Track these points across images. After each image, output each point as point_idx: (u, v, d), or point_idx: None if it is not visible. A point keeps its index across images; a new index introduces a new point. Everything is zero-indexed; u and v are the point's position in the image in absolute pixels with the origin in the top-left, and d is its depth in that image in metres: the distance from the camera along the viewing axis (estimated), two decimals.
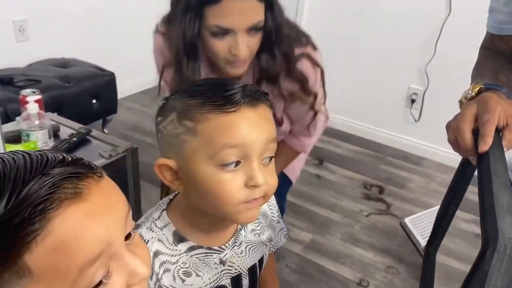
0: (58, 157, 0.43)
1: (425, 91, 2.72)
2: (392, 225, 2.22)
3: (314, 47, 1.14)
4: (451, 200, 0.81)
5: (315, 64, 1.12)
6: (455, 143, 0.70)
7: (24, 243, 0.38)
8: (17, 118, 1.50)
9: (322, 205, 2.34)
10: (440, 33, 2.56)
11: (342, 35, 2.89)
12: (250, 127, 0.65)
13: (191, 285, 0.74)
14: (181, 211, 0.73)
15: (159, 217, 0.74)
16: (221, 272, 0.77)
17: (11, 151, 0.45)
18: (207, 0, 0.94)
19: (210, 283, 0.76)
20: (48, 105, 1.98)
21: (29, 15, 2.50)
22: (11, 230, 0.38)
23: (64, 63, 2.57)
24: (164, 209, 0.75)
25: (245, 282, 0.81)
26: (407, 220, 2.18)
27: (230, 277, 0.78)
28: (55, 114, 1.83)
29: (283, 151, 1.35)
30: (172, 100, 0.68)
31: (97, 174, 0.45)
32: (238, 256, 0.79)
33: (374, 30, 2.77)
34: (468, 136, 0.67)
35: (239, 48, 0.98)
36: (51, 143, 1.45)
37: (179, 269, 0.72)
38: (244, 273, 0.80)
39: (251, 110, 0.65)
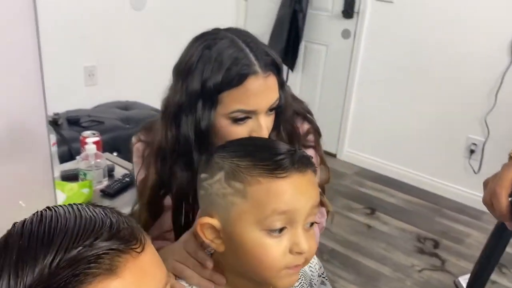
0: (107, 223, 0.45)
1: (485, 141, 2.60)
2: (447, 282, 2.08)
3: (311, 115, 1.09)
4: (485, 264, 0.75)
5: (316, 145, 1.07)
6: (490, 205, 0.66)
7: None
8: (77, 157, 1.61)
9: (371, 257, 2.25)
10: (501, 82, 2.47)
11: (401, 82, 2.86)
12: (299, 194, 0.65)
13: None
14: (221, 270, 0.72)
15: None
16: None
17: (67, 206, 0.47)
18: (228, 84, 0.84)
19: None
20: (109, 145, 2.10)
21: (98, 62, 2.71)
22: None
23: (126, 106, 2.74)
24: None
25: None
26: (461, 279, 2.04)
27: None
28: (114, 153, 1.93)
29: None
30: (219, 158, 0.68)
31: (136, 249, 0.45)
32: None
33: (433, 79, 2.73)
34: (504, 202, 0.63)
35: (263, 131, 0.88)
36: (105, 182, 1.53)
37: None
38: None
39: (300, 176, 0.65)
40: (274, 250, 0.64)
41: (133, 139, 1.05)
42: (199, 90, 0.85)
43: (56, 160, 1.60)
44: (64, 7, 2.47)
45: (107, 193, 1.47)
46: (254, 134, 0.88)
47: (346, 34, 3.05)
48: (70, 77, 2.63)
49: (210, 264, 0.72)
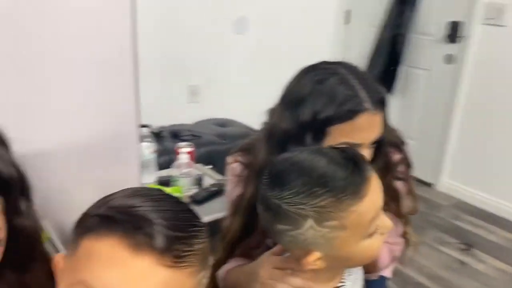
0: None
1: None
2: None
3: (403, 145, 1.09)
4: None
5: (406, 177, 1.06)
6: None
7: None
8: (171, 165, 1.77)
9: None
10: None
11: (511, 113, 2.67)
12: (380, 195, 0.70)
13: None
14: (308, 273, 0.76)
15: None
16: None
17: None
18: (339, 119, 0.86)
19: None
20: (205, 158, 2.25)
21: (201, 81, 2.93)
22: None
23: (223, 123, 2.91)
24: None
25: None
26: None
27: None
28: (209, 166, 2.07)
29: None
30: (291, 207, 0.67)
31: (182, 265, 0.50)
32: (357, 283, 0.84)
33: None
34: None
35: None
36: (194, 190, 1.66)
37: None
38: None
39: (374, 177, 0.69)
40: (376, 244, 0.72)
41: (230, 159, 1.10)
42: (309, 121, 0.88)
43: (154, 166, 1.77)
44: (172, 33, 2.73)
45: (195, 200, 1.59)
46: None
47: (449, 59, 2.93)
48: (176, 95, 2.88)
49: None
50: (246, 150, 1.07)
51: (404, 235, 1.10)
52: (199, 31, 2.80)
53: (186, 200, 1.60)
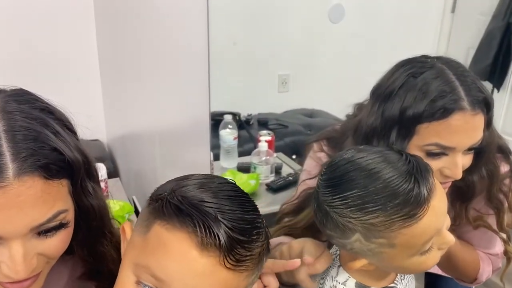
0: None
1: None
2: None
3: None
4: None
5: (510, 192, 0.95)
6: None
7: None
8: (252, 152, 1.80)
9: None
10: None
11: None
12: (440, 216, 0.66)
13: None
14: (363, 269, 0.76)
15: (337, 274, 0.78)
16: None
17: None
18: (430, 116, 0.79)
19: None
20: (290, 148, 2.27)
21: (292, 71, 2.93)
22: None
23: (311, 113, 2.89)
24: (339, 265, 0.79)
25: None
26: None
27: None
28: (293, 156, 2.08)
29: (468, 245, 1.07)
30: (343, 219, 0.66)
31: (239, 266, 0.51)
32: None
33: None
34: None
35: (457, 171, 0.82)
36: (271, 178, 1.68)
37: None
38: None
39: (434, 198, 0.64)
40: (431, 260, 0.68)
41: (315, 146, 1.07)
42: (396, 117, 0.82)
43: (235, 152, 1.83)
44: (265, 21, 2.76)
45: (270, 188, 1.61)
46: (447, 172, 0.83)
47: None
48: (266, 84, 2.92)
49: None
50: (332, 142, 1.03)
51: (505, 253, 1.01)
52: (292, 19, 2.80)
53: (262, 187, 1.62)
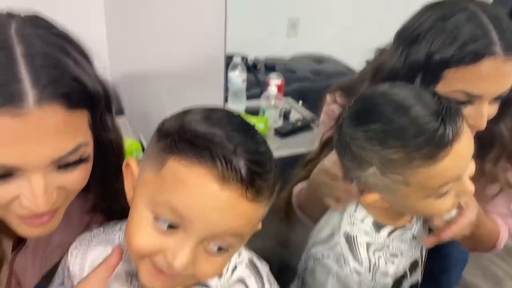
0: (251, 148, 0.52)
1: None
2: None
3: None
4: None
5: None
6: None
7: None
8: (261, 96, 1.77)
9: None
10: None
11: None
12: (461, 162, 0.65)
13: (398, 264, 0.79)
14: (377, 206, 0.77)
15: (356, 210, 0.79)
16: (414, 247, 0.82)
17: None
18: (458, 61, 0.75)
19: (409, 258, 0.81)
20: (297, 94, 2.24)
21: (302, 14, 2.83)
22: None
23: (321, 59, 2.83)
24: (358, 202, 0.79)
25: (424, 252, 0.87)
26: None
27: (419, 250, 0.84)
28: (300, 103, 2.05)
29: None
30: (362, 150, 0.66)
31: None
32: (421, 230, 0.83)
33: None
34: None
35: (483, 121, 0.79)
36: (279, 123, 1.66)
37: (386, 253, 0.78)
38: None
39: (458, 142, 0.62)
40: (445, 205, 0.68)
41: (328, 98, 1.05)
42: (422, 61, 0.78)
43: (243, 96, 1.80)
44: None
45: (278, 132, 1.60)
46: (471, 122, 0.77)
47: None
48: (275, 27, 2.83)
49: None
50: (347, 90, 1.00)
51: None
52: None
53: (270, 131, 1.61)
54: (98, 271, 0.59)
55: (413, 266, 0.84)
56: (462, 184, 0.67)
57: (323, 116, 1.07)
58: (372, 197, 0.69)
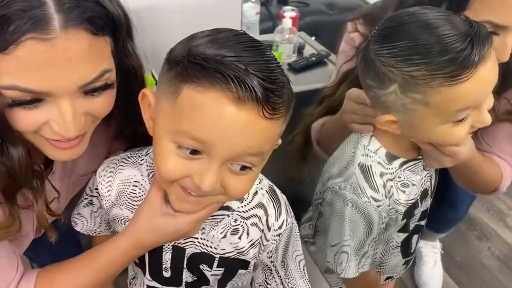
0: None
1: None
2: None
3: None
4: None
5: None
6: None
7: None
8: (275, 30, 1.73)
9: None
10: None
11: None
12: (483, 87, 0.65)
13: (410, 194, 0.83)
14: (390, 137, 0.78)
15: (369, 143, 0.81)
16: (425, 176, 0.85)
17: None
18: None
19: (420, 188, 0.85)
20: (310, 28, 2.18)
21: None
22: None
23: None
24: (372, 135, 0.81)
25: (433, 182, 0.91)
26: None
27: (429, 179, 0.87)
28: (313, 37, 2.00)
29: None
30: (385, 67, 0.65)
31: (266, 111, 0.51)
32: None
33: None
34: None
35: (506, 52, 0.78)
36: (293, 57, 1.64)
37: (397, 183, 0.81)
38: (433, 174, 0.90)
39: (483, 66, 0.62)
40: (460, 133, 0.69)
41: (349, 26, 1.02)
42: None
43: (256, 29, 1.76)
44: None
45: (292, 67, 1.57)
46: (495, 53, 0.75)
47: None
48: None
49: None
50: (369, 20, 0.97)
51: None
52: None
53: (284, 66, 1.59)
54: (153, 190, 0.63)
55: (424, 195, 0.88)
56: (480, 114, 0.68)
57: (343, 45, 1.05)
58: (389, 117, 0.70)
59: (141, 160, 0.71)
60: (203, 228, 0.68)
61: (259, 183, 0.70)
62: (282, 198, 0.71)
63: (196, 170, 0.54)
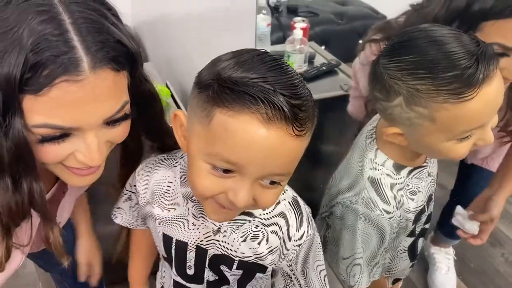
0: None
1: None
2: None
3: None
4: None
5: None
6: None
7: None
8: (286, 40, 1.76)
9: None
10: None
11: None
12: (489, 108, 0.66)
13: (418, 201, 0.85)
14: (396, 148, 0.80)
15: (375, 156, 0.83)
16: (430, 182, 0.88)
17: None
18: (497, 13, 0.76)
19: (425, 193, 0.87)
20: (319, 37, 2.21)
21: None
22: None
23: (344, 1, 2.76)
24: (377, 148, 0.83)
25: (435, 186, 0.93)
26: None
27: (433, 185, 0.90)
28: (323, 47, 2.03)
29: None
30: (391, 80, 0.67)
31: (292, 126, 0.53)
32: (433, 167, 0.89)
33: None
34: None
35: None
36: (304, 67, 1.67)
37: (406, 191, 0.83)
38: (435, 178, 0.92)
39: (488, 86, 0.63)
40: (463, 150, 0.70)
41: (367, 46, 1.05)
42: (461, 9, 0.80)
43: (268, 40, 1.79)
44: None
45: (304, 77, 1.60)
46: (505, 73, 0.77)
47: None
48: None
49: None
50: (383, 32, 1.00)
51: None
52: None
53: None
54: None
55: (429, 199, 0.90)
56: (484, 133, 0.69)
57: (358, 65, 1.07)
58: (395, 129, 0.72)
59: (176, 162, 0.75)
60: (225, 231, 0.71)
61: (283, 193, 0.72)
62: (305, 209, 0.73)
63: (230, 187, 0.57)
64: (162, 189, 0.74)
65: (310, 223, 0.73)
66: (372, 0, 2.64)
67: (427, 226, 0.96)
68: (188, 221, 0.73)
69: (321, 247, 0.76)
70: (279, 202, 0.71)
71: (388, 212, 0.81)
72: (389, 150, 0.81)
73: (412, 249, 0.96)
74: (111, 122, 0.61)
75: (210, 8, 1.34)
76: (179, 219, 0.73)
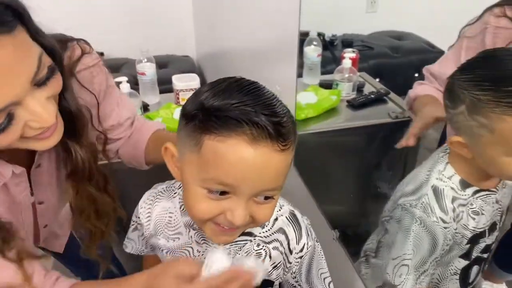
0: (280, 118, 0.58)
1: None
2: None
3: None
4: None
5: None
6: None
7: None
8: (335, 70, 1.83)
9: None
10: None
11: None
12: None
13: (479, 222, 0.86)
14: (464, 164, 0.82)
15: (444, 169, 0.85)
16: (496, 210, 0.88)
17: None
18: None
19: (489, 219, 0.87)
20: (374, 70, 2.24)
21: None
22: None
23: (400, 36, 2.77)
24: (448, 162, 0.85)
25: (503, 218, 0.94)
26: None
27: (500, 214, 0.89)
28: (377, 79, 2.06)
29: None
30: (460, 88, 0.71)
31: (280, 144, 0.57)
32: (504, 197, 0.89)
33: None
34: None
35: None
36: (353, 95, 1.71)
37: (469, 209, 0.84)
38: (505, 210, 0.91)
39: None
40: None
41: (497, 11, 0.95)
42: None
43: (318, 70, 1.86)
44: None
45: (351, 104, 1.65)
46: None
47: None
48: (353, 4, 2.82)
49: None
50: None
51: None
52: None
53: (343, 103, 1.67)
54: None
55: (492, 228, 0.89)
56: None
57: (471, 31, 1.01)
58: (458, 138, 0.75)
59: (174, 193, 0.79)
60: (228, 253, 0.74)
61: (280, 209, 0.75)
62: (303, 222, 0.76)
63: (227, 207, 0.61)
64: (164, 220, 0.78)
65: (309, 234, 0.75)
66: (429, 36, 2.64)
67: (485, 255, 0.94)
68: (192, 248, 0.76)
69: (323, 256, 0.78)
70: (277, 219, 0.74)
71: (444, 221, 0.82)
72: (458, 165, 0.83)
73: (464, 275, 0.94)
74: (41, 83, 0.63)
75: (261, 41, 1.44)
76: (184, 248, 0.77)
